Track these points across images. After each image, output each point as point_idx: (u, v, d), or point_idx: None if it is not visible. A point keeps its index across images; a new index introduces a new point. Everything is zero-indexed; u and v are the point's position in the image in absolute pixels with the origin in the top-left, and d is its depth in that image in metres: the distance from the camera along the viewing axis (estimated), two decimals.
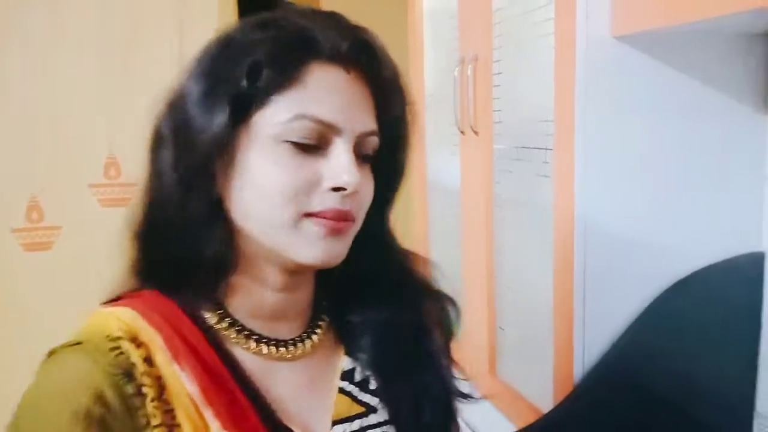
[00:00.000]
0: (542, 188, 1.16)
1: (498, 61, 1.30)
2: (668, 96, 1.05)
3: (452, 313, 0.73)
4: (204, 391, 0.56)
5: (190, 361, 0.57)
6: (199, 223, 0.59)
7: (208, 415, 0.55)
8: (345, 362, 0.68)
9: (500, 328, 1.38)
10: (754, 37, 1.07)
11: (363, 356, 0.69)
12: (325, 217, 0.59)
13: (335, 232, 0.60)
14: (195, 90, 0.60)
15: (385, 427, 0.66)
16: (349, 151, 0.60)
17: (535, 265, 1.22)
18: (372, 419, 0.66)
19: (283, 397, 0.62)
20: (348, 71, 0.60)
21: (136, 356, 0.55)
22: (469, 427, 1.42)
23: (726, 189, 1.10)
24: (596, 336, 1.06)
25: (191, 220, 0.59)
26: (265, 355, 0.62)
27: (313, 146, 0.59)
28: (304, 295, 0.67)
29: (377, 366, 0.68)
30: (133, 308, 0.59)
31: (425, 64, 1.73)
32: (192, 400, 0.55)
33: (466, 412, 1.46)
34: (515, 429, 1.27)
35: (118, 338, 0.56)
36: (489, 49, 1.31)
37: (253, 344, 0.62)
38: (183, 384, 0.56)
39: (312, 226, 0.59)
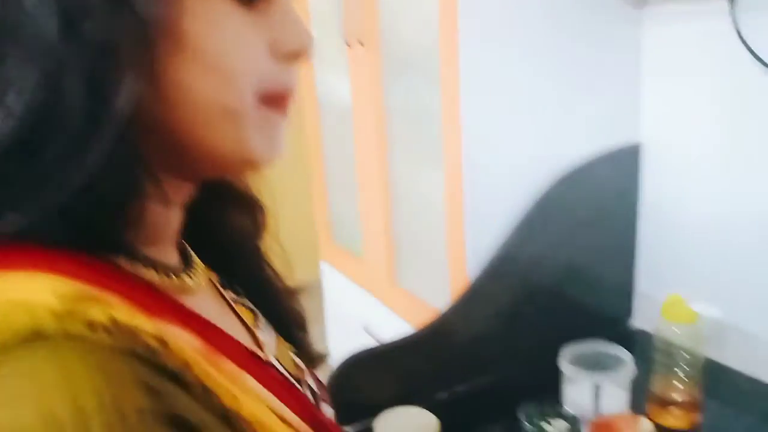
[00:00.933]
0: (431, 96, 1.16)
1: None
2: None
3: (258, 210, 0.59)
4: (214, 351, 0.39)
5: (178, 322, 0.38)
6: (112, 129, 0.34)
7: (251, 382, 0.41)
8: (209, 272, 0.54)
9: (397, 238, 1.40)
10: None
11: (209, 261, 0.54)
12: (284, 96, 0.43)
13: (285, 115, 0.44)
14: None
15: (265, 321, 0.59)
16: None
17: (428, 173, 1.23)
18: (261, 318, 0.58)
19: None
20: None
21: (143, 323, 0.33)
22: (374, 338, 1.45)
23: (604, 83, 1.14)
24: (486, 236, 1.09)
25: (102, 127, 0.34)
26: (191, 288, 0.45)
27: None
28: None
29: (225, 269, 0.57)
30: (47, 271, 0.33)
31: None
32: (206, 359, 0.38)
33: (371, 325, 1.50)
34: None
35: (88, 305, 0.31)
36: None
37: (188, 280, 0.44)
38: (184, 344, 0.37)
39: (270, 110, 0.42)
